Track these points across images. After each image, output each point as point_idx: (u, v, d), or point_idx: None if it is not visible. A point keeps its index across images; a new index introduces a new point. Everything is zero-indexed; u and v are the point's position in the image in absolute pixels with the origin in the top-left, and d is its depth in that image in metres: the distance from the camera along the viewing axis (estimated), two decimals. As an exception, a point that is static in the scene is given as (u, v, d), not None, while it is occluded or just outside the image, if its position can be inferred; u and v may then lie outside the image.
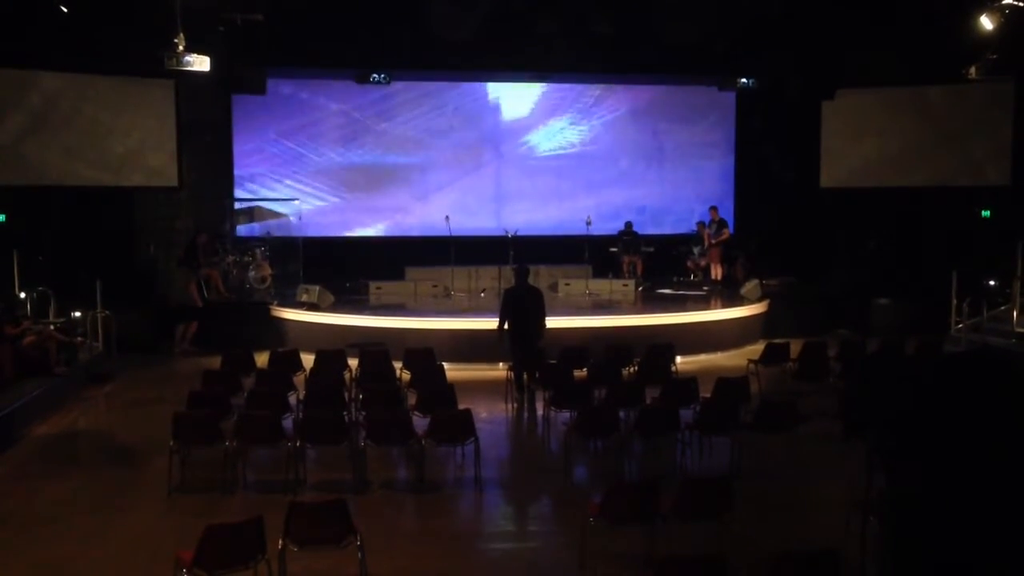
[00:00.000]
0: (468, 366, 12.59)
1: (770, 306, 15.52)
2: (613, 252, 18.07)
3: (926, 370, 3.27)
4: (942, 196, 16.96)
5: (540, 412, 10.29)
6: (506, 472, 9.07)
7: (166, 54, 12.27)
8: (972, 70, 13.65)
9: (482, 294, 16.29)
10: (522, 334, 11.51)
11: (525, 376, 11.39)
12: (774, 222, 18.10)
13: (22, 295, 13.06)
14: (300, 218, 17.68)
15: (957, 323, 14.19)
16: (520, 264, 12.71)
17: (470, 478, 8.43)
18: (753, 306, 15.32)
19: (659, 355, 11.43)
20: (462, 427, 8.40)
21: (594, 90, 19.09)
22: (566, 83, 18.74)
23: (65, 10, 12.95)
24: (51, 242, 14.90)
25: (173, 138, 15.77)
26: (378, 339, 12.65)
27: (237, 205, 17.91)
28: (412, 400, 9.69)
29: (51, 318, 12.99)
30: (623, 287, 16.86)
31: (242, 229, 17.84)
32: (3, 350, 10.90)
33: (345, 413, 9.27)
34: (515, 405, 11.33)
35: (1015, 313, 13.88)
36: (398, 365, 11.08)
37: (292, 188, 18.18)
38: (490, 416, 10.89)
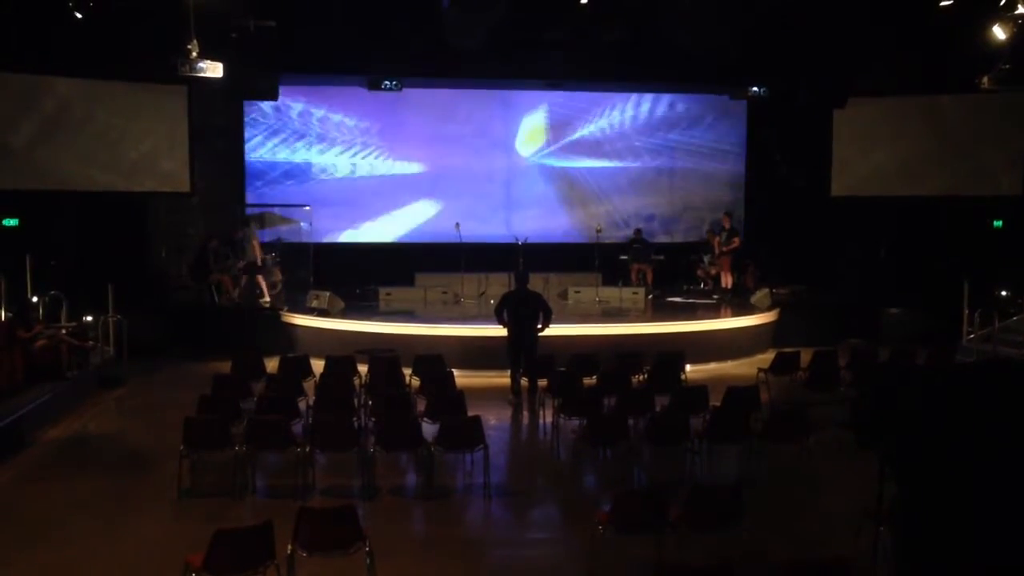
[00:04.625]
0: (478, 373, 12.59)
1: (780, 315, 15.48)
2: (623, 260, 18.06)
3: (938, 380, 3.25)
4: (954, 205, 16.90)
5: (549, 419, 10.28)
6: (515, 479, 9.05)
7: (179, 60, 12.33)
8: (985, 80, 13.60)
9: (491, 301, 16.26)
10: (519, 339, 11.60)
11: (525, 382, 11.60)
12: (785, 231, 18.05)
13: (34, 299, 13.11)
14: (311, 224, 17.72)
15: (969, 333, 14.12)
16: (521, 269, 12.78)
17: (479, 485, 8.42)
18: (763, 315, 15.28)
19: (669, 363, 11.41)
20: (471, 434, 8.40)
21: (605, 98, 19.10)
22: (577, 91, 18.76)
23: (79, 16, 13.03)
24: (63, 246, 14.98)
25: (185, 144, 15.85)
26: (388, 345, 12.68)
27: (248, 211, 17.97)
28: (421, 406, 9.69)
29: (63, 322, 13.04)
30: (633, 295, 16.85)
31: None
32: (15, 354, 10.95)
33: (354, 419, 9.26)
34: (513, 408, 11.52)
35: (1027, 323, 13.83)
36: (407, 371, 11.07)
37: (303, 194, 18.23)
38: (499, 423, 10.90)
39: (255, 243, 15.96)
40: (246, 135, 17.85)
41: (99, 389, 12.39)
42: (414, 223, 18.65)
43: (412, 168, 18.60)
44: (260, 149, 18.04)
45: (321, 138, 18.28)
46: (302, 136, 18.19)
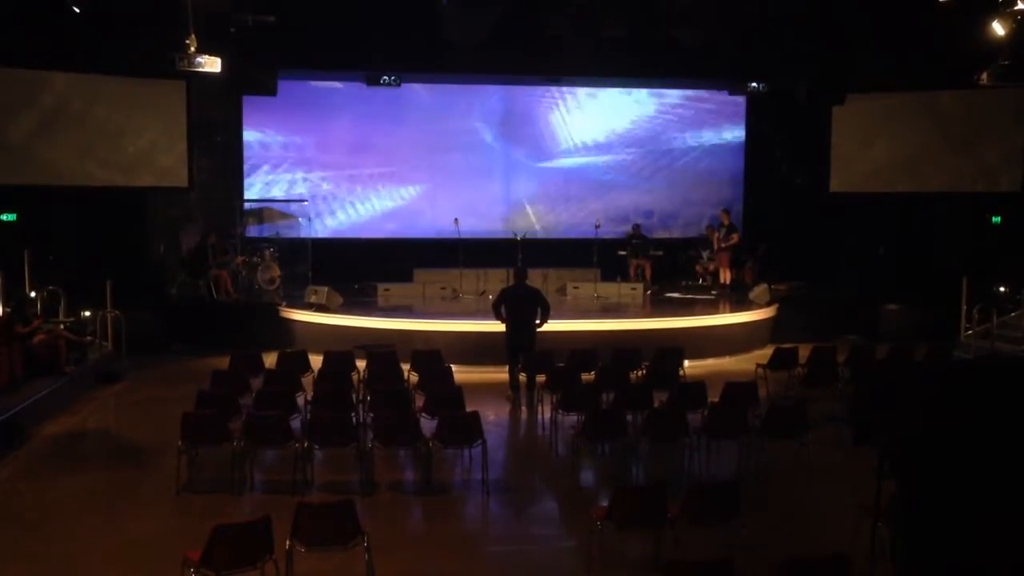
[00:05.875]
0: (476, 368, 12.58)
1: (779, 311, 15.49)
2: (622, 255, 18.06)
3: (936, 377, 3.26)
4: (953, 202, 16.90)
5: (547, 415, 10.29)
6: (513, 475, 9.05)
7: (178, 55, 12.30)
8: (984, 76, 13.58)
9: (490, 296, 16.26)
10: (517, 335, 11.61)
11: (523, 378, 11.61)
12: (784, 226, 18.06)
13: (33, 294, 13.10)
14: (309, 219, 17.71)
15: (967, 329, 14.13)
16: (519, 265, 12.78)
17: (477, 480, 8.42)
18: (762, 310, 15.28)
19: (667, 359, 11.41)
20: (469, 429, 8.40)
21: (605, 93, 19.08)
22: (577, 86, 18.74)
23: (77, 11, 13.00)
24: (62, 241, 14.96)
25: (184, 139, 15.81)
26: (386, 340, 12.67)
27: (247, 206, 17.96)
28: (419, 402, 9.70)
29: (61, 317, 13.03)
30: (631, 290, 16.85)
31: (251, 230, 17.88)
32: (13, 349, 10.94)
33: (353, 414, 9.27)
34: (511, 404, 11.54)
35: (1026, 320, 13.83)
36: (406, 367, 11.08)
37: (302, 189, 18.21)
38: (497, 419, 10.91)
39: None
40: (245, 129, 17.82)
41: (97, 384, 12.38)
42: (413, 218, 18.63)
43: (410, 163, 18.56)
44: (260, 144, 18.01)
45: (320, 133, 18.25)
46: (302, 131, 18.16)
